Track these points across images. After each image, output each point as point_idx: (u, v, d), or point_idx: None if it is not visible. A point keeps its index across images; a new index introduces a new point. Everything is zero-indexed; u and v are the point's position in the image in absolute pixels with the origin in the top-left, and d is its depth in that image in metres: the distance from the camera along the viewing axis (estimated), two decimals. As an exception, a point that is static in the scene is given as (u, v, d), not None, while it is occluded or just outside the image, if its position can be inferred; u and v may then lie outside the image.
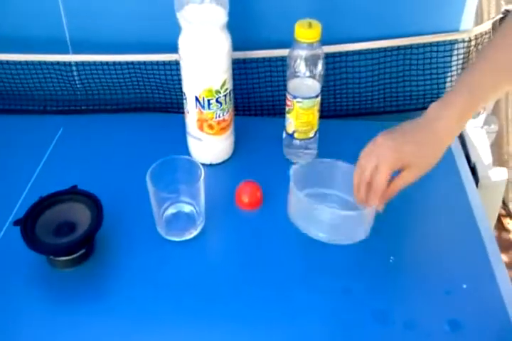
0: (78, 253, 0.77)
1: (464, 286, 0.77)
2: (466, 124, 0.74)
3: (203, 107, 0.89)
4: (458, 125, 0.72)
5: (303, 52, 0.86)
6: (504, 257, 1.77)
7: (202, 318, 0.73)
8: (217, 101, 0.88)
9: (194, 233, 0.84)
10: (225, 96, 0.89)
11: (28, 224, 0.75)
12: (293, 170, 0.73)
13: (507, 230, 1.90)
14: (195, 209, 0.84)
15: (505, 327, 0.73)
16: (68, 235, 0.76)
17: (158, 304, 0.75)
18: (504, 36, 0.73)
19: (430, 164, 0.72)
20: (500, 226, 1.90)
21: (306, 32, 0.83)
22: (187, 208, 0.85)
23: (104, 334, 0.71)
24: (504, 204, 1.91)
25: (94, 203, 0.78)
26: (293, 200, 0.71)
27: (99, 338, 0.71)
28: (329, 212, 0.69)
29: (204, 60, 0.84)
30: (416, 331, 0.71)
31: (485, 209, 0.90)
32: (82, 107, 1.10)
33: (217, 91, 0.87)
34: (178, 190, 0.83)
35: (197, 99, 0.88)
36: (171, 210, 0.85)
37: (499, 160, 1.58)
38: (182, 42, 0.84)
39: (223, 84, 0.87)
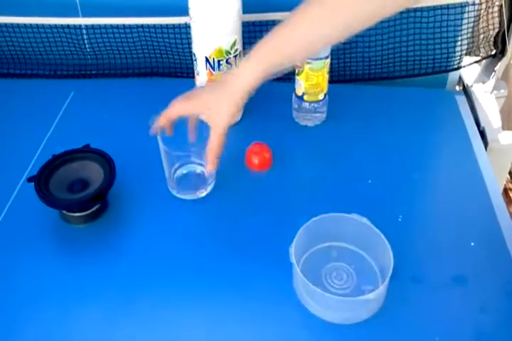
0: (91, 210, 0.78)
1: (472, 244, 0.78)
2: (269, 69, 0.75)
3: (213, 68, 0.89)
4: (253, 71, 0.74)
5: (313, 13, 0.85)
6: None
7: (209, 274, 0.75)
8: (227, 62, 0.88)
9: (204, 192, 0.85)
10: (235, 57, 0.89)
11: (41, 181, 0.77)
12: (303, 227, 0.71)
13: (515, 204, 1.90)
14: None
15: (510, 281, 0.74)
16: (81, 192, 0.77)
17: (168, 259, 0.76)
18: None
19: (225, 113, 0.75)
20: (508, 200, 1.90)
21: (317, -9, 0.83)
22: (198, 169, 0.86)
23: (115, 289, 0.73)
24: (512, 178, 1.91)
25: (106, 161, 0.79)
26: (297, 281, 0.71)
27: (110, 292, 0.73)
28: (332, 299, 0.66)
29: (214, 20, 0.84)
30: (423, 285, 0.73)
31: (494, 172, 0.91)
32: (92, 71, 1.10)
33: (227, 52, 0.87)
34: (189, 150, 0.84)
35: (207, 59, 0.88)
36: (182, 170, 0.86)
37: (510, 126, 1.57)
38: (192, 1, 0.84)
39: (233, 45, 0.87)
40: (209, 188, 0.86)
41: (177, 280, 0.74)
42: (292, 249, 0.69)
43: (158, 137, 0.78)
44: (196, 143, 0.83)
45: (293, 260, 0.68)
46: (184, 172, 0.86)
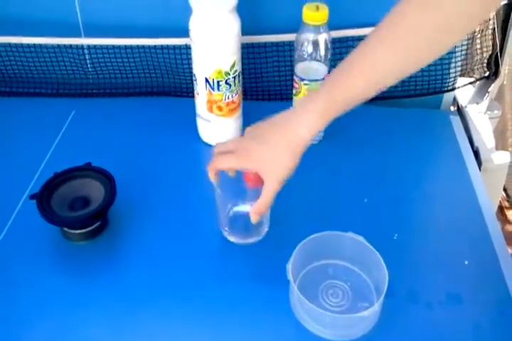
0: (92, 227, 0.80)
1: (466, 262, 0.79)
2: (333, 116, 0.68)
3: (213, 89, 0.91)
4: (318, 121, 0.68)
5: (310, 35, 0.88)
6: (510, 250, 1.77)
7: (207, 290, 0.76)
8: (226, 82, 0.90)
9: (258, 238, 0.83)
10: (234, 78, 0.91)
11: (43, 198, 0.78)
12: (300, 245, 0.72)
13: (511, 223, 1.91)
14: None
15: (503, 301, 0.75)
16: (82, 209, 0.78)
17: (167, 276, 0.77)
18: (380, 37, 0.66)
19: (283, 169, 0.69)
20: (504, 218, 1.91)
21: (314, 14, 0.85)
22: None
23: (115, 305, 0.74)
24: (508, 196, 1.92)
25: (107, 179, 0.81)
26: (294, 298, 0.72)
27: (111, 309, 0.73)
28: (328, 316, 0.67)
29: (214, 42, 0.86)
30: (418, 302, 0.74)
31: (487, 192, 0.92)
32: (94, 91, 1.12)
33: (227, 73, 0.89)
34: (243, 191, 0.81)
35: (207, 80, 0.90)
36: (234, 210, 0.83)
37: (503, 146, 1.59)
38: (193, 24, 0.86)
39: (232, 66, 0.89)
40: (262, 234, 0.83)
41: (176, 296, 0.75)
42: (289, 266, 0.70)
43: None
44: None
45: (290, 277, 0.69)
46: (236, 213, 0.83)
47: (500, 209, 1.90)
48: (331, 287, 0.74)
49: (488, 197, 0.91)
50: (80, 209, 0.78)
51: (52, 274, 0.78)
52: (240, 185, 0.82)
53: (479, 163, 1.01)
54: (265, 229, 0.83)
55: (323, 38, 0.88)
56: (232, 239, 0.82)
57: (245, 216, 0.81)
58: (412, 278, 0.77)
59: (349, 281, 0.75)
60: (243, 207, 0.82)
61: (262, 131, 0.72)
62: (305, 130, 0.68)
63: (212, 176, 0.74)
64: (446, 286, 0.76)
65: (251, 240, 0.82)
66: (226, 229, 0.82)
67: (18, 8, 1.05)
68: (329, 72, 0.93)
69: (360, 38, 1.02)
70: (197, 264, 0.79)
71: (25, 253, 0.80)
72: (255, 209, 0.72)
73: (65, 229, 0.80)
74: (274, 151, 0.69)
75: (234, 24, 0.87)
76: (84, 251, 0.80)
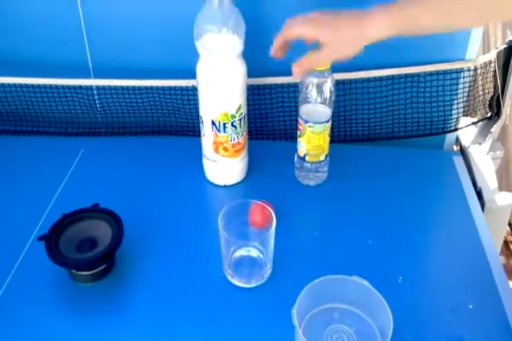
0: (99, 269, 0.80)
1: (470, 306, 0.79)
2: (399, 33, 0.74)
3: (219, 131, 0.92)
4: (388, 28, 0.73)
5: (314, 79, 0.90)
6: (512, 284, 1.77)
7: (213, 334, 0.76)
8: (232, 125, 0.92)
9: (262, 280, 0.83)
10: (240, 120, 0.93)
11: (51, 240, 0.79)
12: (305, 290, 0.72)
13: (515, 257, 1.90)
14: (262, 255, 0.83)
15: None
16: (90, 251, 0.79)
17: (173, 318, 0.77)
18: None
19: (344, 50, 0.75)
20: (508, 253, 1.91)
21: (319, 61, 0.87)
22: (255, 252, 0.84)
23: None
24: (512, 230, 1.92)
25: (115, 220, 0.82)
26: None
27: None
28: None
29: (221, 86, 0.88)
30: (423, 347, 0.74)
31: (491, 233, 0.93)
32: (102, 130, 1.14)
33: (233, 116, 0.91)
34: (247, 234, 0.85)
35: (213, 122, 0.92)
36: (238, 253, 0.84)
37: (507, 186, 1.60)
38: (200, 69, 0.88)
39: (238, 109, 0.91)
40: (265, 276, 0.83)
41: (180, 338, 0.75)
42: (294, 311, 0.70)
43: (219, 222, 0.78)
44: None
45: (295, 323, 0.70)
46: (239, 255, 0.84)
47: (505, 244, 1.90)
48: (336, 332, 0.74)
49: (492, 238, 0.91)
50: (87, 251, 0.79)
51: (59, 315, 0.78)
52: (245, 227, 0.83)
53: (482, 204, 1.01)
54: (268, 271, 0.83)
55: (327, 81, 0.90)
56: (235, 281, 0.82)
57: (248, 258, 0.83)
58: (416, 323, 0.77)
59: (354, 326, 0.75)
60: (246, 250, 0.84)
61: (334, 17, 0.75)
62: (375, 30, 0.73)
63: (276, 48, 0.79)
64: (450, 330, 0.76)
65: (254, 283, 0.83)
66: (229, 271, 0.83)
67: (29, 50, 1.08)
68: (333, 114, 0.94)
69: (362, 80, 1.06)
70: (201, 307, 0.79)
71: (32, 294, 0.80)
72: (302, 61, 0.77)
73: (72, 270, 0.80)
74: (343, 36, 0.74)
75: (240, 69, 0.89)
76: (91, 293, 0.81)
